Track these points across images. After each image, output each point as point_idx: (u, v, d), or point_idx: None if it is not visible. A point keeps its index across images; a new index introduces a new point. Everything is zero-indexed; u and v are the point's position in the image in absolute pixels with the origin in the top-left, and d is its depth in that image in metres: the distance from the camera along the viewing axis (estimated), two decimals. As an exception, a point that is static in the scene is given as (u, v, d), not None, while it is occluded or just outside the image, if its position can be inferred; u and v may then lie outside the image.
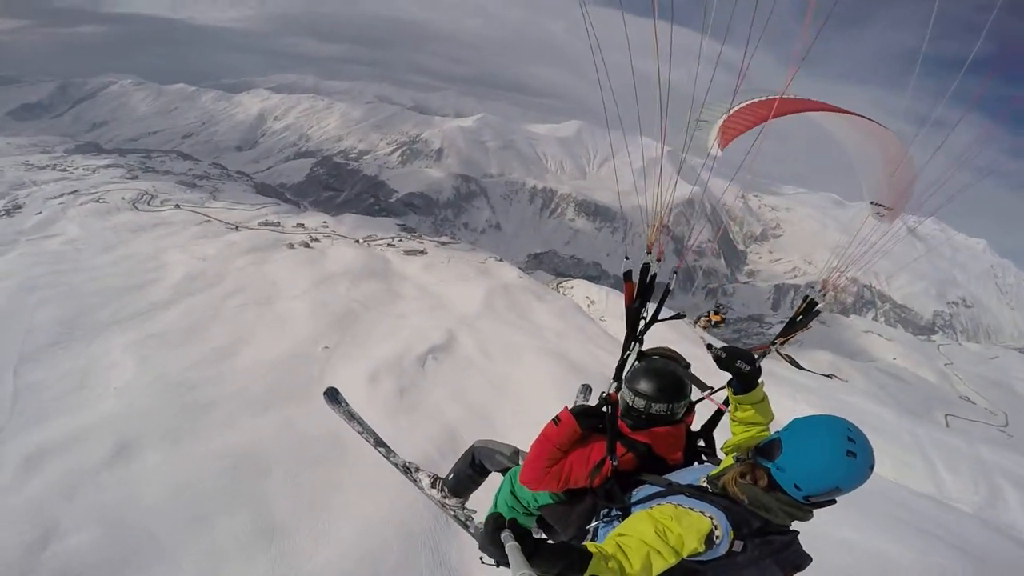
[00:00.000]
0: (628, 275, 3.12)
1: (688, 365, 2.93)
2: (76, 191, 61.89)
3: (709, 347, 2.77)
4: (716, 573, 2.06)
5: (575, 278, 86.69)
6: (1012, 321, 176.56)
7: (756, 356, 2.79)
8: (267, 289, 33.12)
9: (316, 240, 50.96)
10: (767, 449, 2.10)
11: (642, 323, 3.13)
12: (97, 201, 57.72)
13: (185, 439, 17.68)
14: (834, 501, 2.02)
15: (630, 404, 2.77)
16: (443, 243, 65.21)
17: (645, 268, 3.12)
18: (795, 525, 2.16)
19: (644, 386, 2.74)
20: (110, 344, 23.70)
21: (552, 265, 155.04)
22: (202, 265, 36.59)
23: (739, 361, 2.61)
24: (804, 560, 2.15)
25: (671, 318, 3.42)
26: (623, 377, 2.90)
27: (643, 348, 3.09)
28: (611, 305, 51.55)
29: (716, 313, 6.81)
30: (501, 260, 56.66)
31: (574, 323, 35.24)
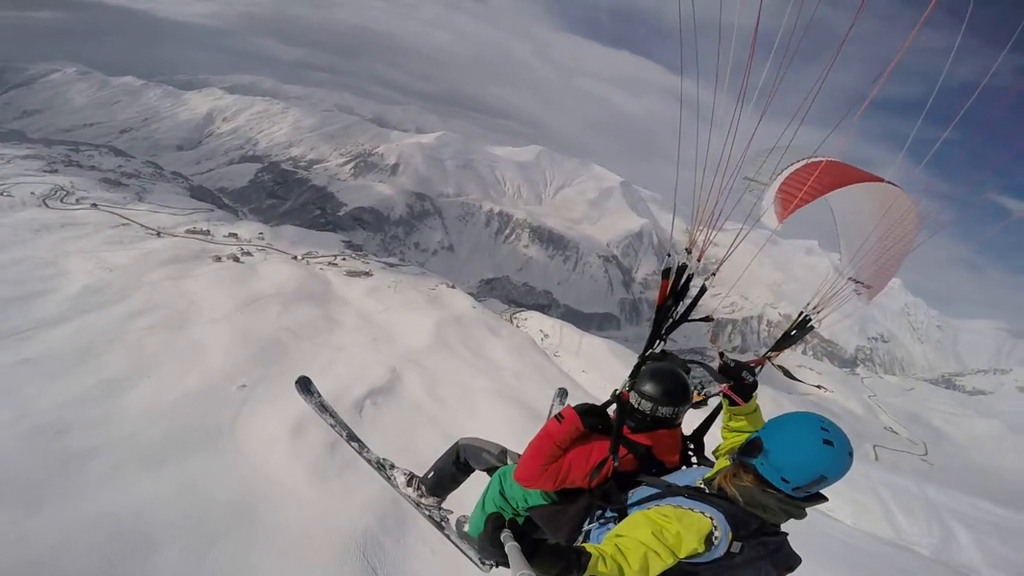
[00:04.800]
0: (666, 273, 3.00)
1: (688, 370, 2.96)
2: (-22, 181, 55.30)
3: (721, 355, 2.93)
4: (713, 574, 2.04)
5: (527, 307, 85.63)
6: (922, 354, 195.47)
7: (756, 370, 2.96)
8: (182, 310, 28.93)
9: (248, 253, 46.54)
10: (748, 448, 2.19)
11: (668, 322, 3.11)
12: (0, 194, 51.09)
13: (48, 499, 13.96)
14: (824, 497, 2.10)
15: (636, 406, 2.78)
16: (391, 265, 62.11)
17: (682, 268, 3.02)
18: (788, 525, 2.20)
19: (652, 389, 2.74)
20: (-37, 370, 19.35)
21: (505, 292, 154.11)
22: (108, 276, 31.89)
23: (744, 371, 2.84)
24: (795, 561, 2.19)
25: (701, 319, 3.27)
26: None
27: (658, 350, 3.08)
28: (565, 339, 50.31)
29: (697, 393, 6.69)
30: (453, 287, 54.14)
31: (531, 361, 33.22)
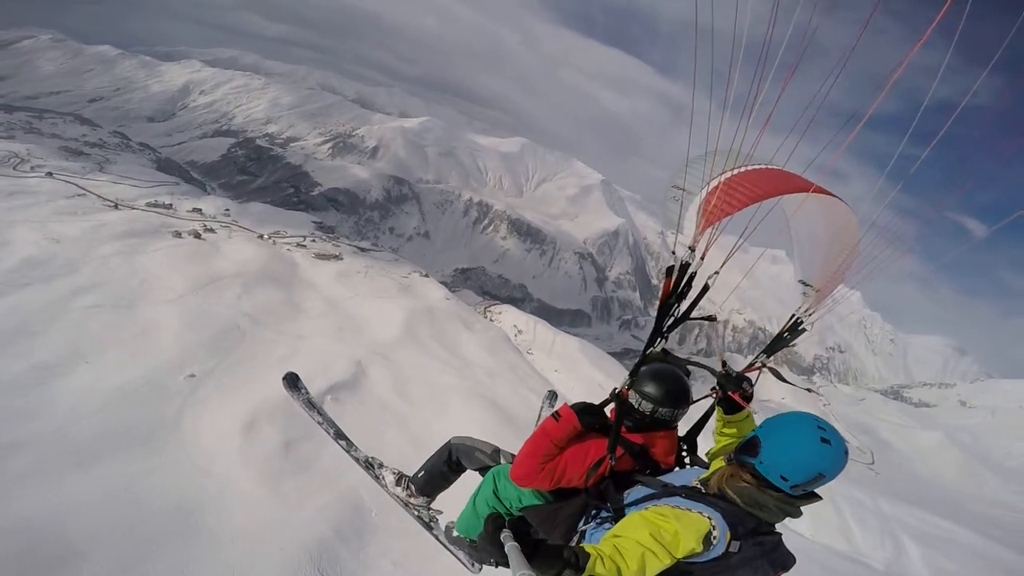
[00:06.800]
0: (670, 271, 2.95)
1: (689, 372, 3.00)
2: (-78, 147, 51.38)
3: (724, 364, 2.97)
4: (709, 573, 2.04)
5: (501, 300, 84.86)
6: (875, 366, 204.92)
7: (753, 379, 3.02)
8: (132, 288, 26.82)
9: (211, 230, 44.08)
10: (747, 448, 2.19)
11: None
12: (-59, 160, 47.89)
13: (-48, 504, 12.46)
14: (819, 496, 2.13)
15: (636, 407, 2.81)
16: (363, 249, 60.26)
17: (685, 266, 2.93)
18: (781, 526, 2.20)
19: (653, 390, 2.78)
20: None
21: (479, 283, 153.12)
22: (54, 248, 29.45)
23: (745, 382, 2.87)
24: (790, 560, 2.20)
25: (703, 319, 3.27)
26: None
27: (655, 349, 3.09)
28: (538, 337, 49.68)
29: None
30: (427, 275, 52.81)
31: (505, 359, 32.12)
